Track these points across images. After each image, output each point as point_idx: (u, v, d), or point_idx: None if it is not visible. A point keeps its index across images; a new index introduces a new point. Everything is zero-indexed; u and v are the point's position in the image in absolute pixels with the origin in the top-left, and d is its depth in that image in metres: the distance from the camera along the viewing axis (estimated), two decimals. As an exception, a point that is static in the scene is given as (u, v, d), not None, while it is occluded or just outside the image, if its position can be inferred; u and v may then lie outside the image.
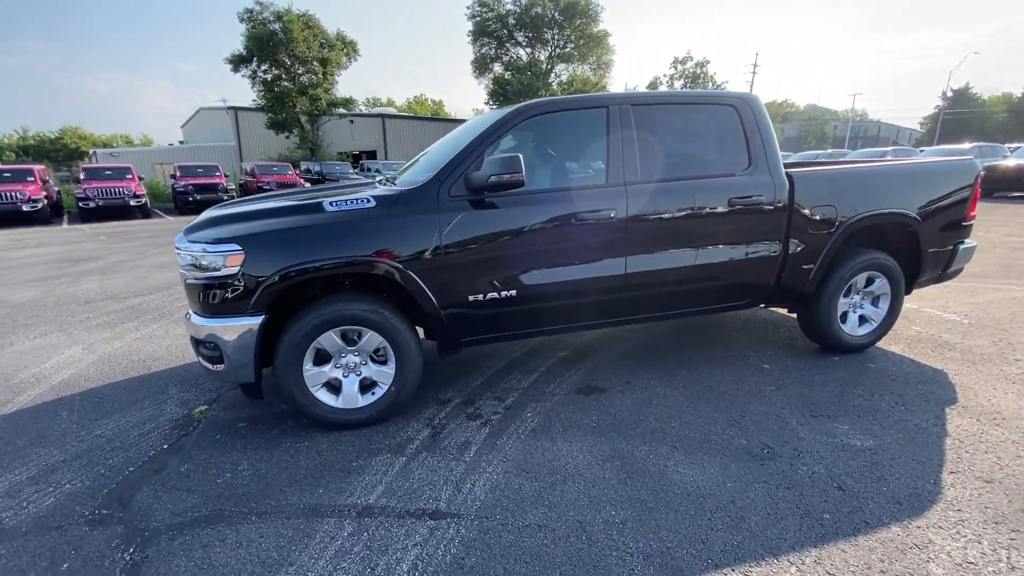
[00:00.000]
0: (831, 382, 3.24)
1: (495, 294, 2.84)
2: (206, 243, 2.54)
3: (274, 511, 2.16)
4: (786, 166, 3.36)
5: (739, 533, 1.96)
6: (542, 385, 3.30)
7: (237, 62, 27.36)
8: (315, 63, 27.74)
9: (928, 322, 4.31)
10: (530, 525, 2.03)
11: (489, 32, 40.77)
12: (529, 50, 42.67)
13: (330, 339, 2.66)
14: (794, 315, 3.87)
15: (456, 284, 2.77)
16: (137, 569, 1.86)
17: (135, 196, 15.64)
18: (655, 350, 3.88)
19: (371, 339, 2.72)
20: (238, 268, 2.49)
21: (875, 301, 3.71)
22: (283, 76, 27.76)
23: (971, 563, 1.78)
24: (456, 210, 2.73)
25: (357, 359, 2.78)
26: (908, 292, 3.86)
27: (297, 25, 26.10)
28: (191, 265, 2.57)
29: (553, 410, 2.97)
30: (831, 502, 2.12)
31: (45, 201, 14.60)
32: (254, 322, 2.53)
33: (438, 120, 46.98)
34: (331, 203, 2.67)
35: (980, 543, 1.87)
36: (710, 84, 53.30)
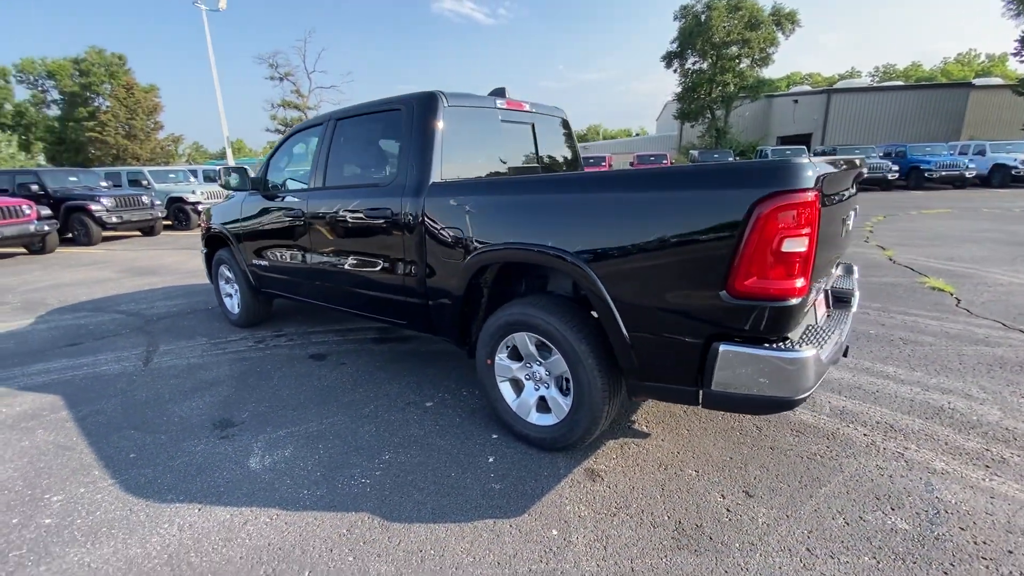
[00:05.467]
0: (410, 444, 2.66)
1: (259, 261, 4.12)
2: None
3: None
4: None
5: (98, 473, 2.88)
6: (326, 344, 4.20)
7: (669, 58, 29.87)
8: (732, 47, 26.75)
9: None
10: (114, 389, 3.57)
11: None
12: None
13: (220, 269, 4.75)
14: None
15: (245, 248, 4.24)
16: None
17: None
18: (454, 360, 3.82)
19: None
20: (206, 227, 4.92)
21: (566, 385, 2.39)
22: (701, 65, 28.32)
23: None
24: (249, 197, 4.16)
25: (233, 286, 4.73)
26: (631, 397, 2.21)
27: (719, 11, 25.79)
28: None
29: (277, 355, 3.99)
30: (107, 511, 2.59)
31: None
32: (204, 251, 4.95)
33: (910, 88, 34.47)
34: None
35: None
36: None
